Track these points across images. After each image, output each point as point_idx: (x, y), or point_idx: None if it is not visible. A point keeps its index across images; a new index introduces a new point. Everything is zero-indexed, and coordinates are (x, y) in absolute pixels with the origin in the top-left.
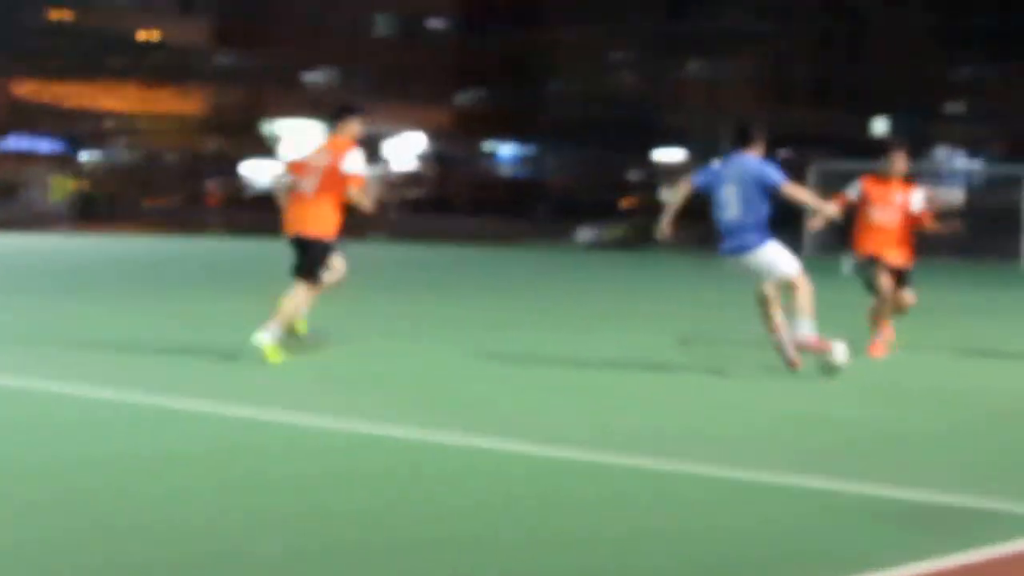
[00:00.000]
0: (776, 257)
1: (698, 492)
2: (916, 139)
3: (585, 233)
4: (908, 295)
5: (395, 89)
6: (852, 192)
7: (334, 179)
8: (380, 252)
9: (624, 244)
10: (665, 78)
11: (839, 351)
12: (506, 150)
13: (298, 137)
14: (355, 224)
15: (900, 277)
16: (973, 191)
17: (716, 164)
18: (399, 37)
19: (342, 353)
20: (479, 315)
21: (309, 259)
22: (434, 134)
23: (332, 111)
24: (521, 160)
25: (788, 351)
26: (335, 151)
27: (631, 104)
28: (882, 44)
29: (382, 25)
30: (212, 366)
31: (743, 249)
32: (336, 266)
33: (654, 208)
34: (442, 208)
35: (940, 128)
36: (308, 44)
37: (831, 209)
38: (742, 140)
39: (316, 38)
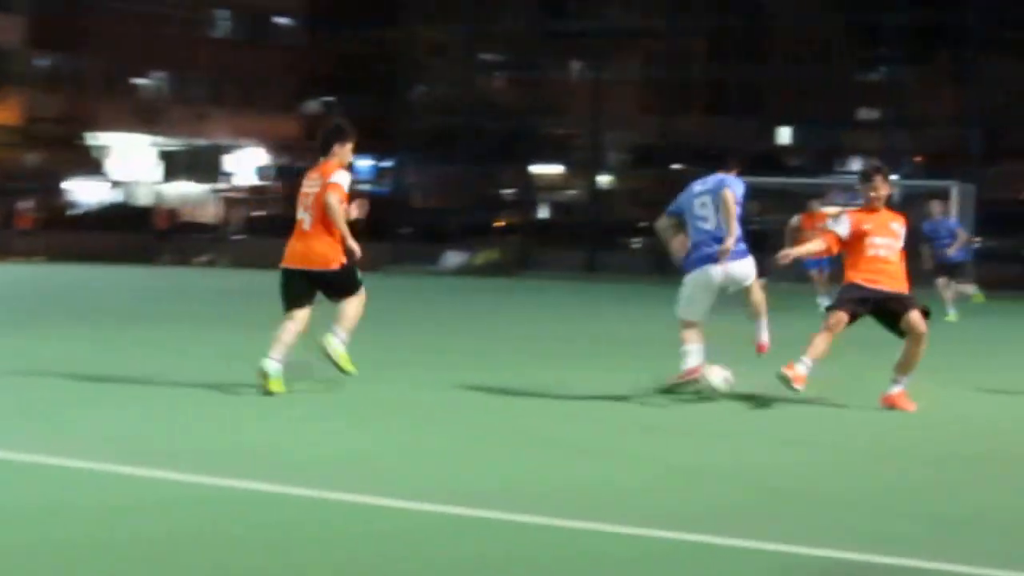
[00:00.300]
0: (749, 271)
1: (612, 549)
2: (825, 150)
3: (453, 257)
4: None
5: (236, 96)
6: (842, 228)
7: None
8: (216, 280)
9: (497, 270)
10: (542, 83)
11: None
12: (362, 164)
13: (128, 152)
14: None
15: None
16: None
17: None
18: (241, 38)
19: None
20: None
21: (341, 284)
22: (281, 146)
23: (321, 136)
24: (379, 175)
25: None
26: (325, 177)
27: (504, 112)
28: (786, 43)
29: (222, 25)
30: None
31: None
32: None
33: (531, 229)
34: (290, 229)
35: (852, 137)
36: (138, 45)
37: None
38: (719, 164)
39: (148, 39)
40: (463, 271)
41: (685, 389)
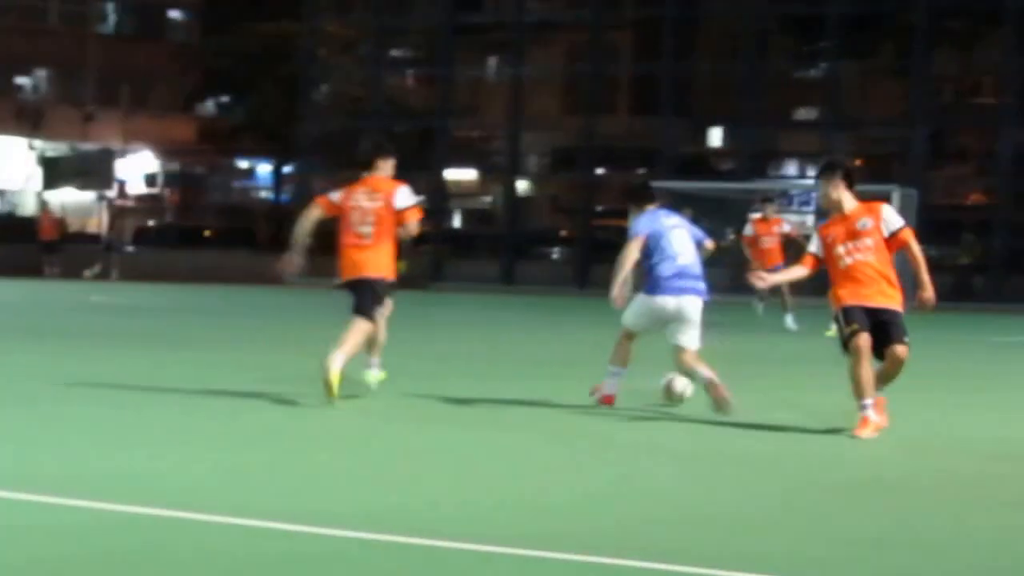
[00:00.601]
0: (697, 318)
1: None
2: (759, 153)
3: None
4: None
5: (126, 96)
6: (814, 246)
7: (390, 220)
8: (102, 295)
9: (408, 282)
10: (456, 81)
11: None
12: (264, 169)
13: (5, 157)
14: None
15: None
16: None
17: (649, 217)
18: (131, 33)
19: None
20: (223, 375)
21: (369, 295)
22: (174, 150)
23: (363, 156)
24: (280, 182)
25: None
26: (384, 193)
27: (415, 113)
28: (719, 38)
29: (110, 18)
30: None
31: (695, 292)
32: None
33: (444, 238)
34: (185, 240)
35: (788, 139)
36: (17, 41)
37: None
38: (645, 199)
39: (28, 33)
40: None
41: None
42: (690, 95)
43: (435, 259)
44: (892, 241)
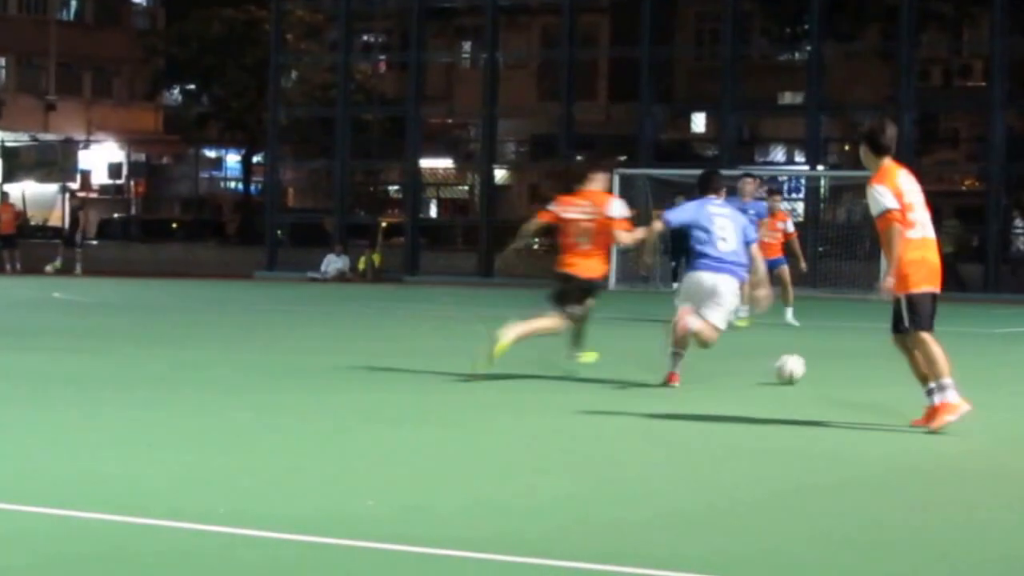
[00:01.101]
0: (730, 301)
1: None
2: (743, 139)
3: (332, 262)
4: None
5: (88, 85)
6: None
7: (603, 230)
8: (64, 291)
9: (382, 275)
10: (429, 67)
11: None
12: (232, 159)
13: None
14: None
15: None
16: (814, 204)
17: (685, 203)
18: (93, 20)
19: None
20: (191, 375)
21: (574, 294)
22: (138, 140)
23: (578, 169)
24: (248, 172)
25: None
26: (598, 205)
27: (387, 100)
28: (699, 20)
29: (71, 5)
30: None
31: (732, 274)
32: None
33: (419, 229)
34: (151, 233)
35: (772, 124)
36: None
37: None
38: (708, 187)
39: None
40: (345, 277)
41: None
42: (671, 80)
43: (410, 251)
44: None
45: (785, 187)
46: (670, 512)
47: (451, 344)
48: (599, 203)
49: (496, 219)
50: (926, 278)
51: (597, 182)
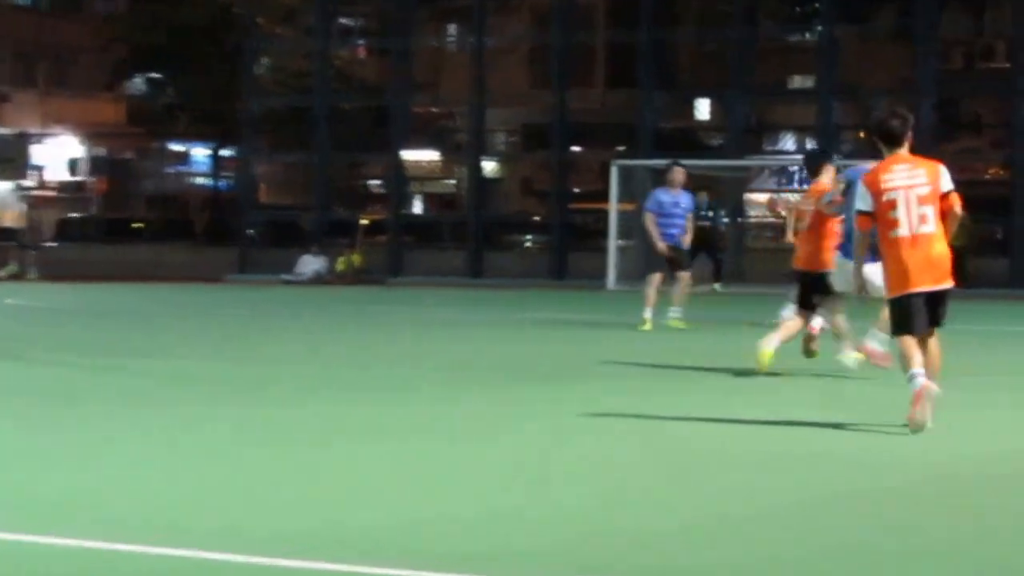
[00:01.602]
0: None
1: None
2: (751, 126)
3: (310, 263)
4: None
5: (44, 75)
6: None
7: (820, 220)
8: (18, 297)
9: (364, 276)
10: (413, 52)
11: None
12: (201, 153)
13: None
14: None
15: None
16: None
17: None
18: (48, 5)
19: None
20: (143, 385)
21: (809, 290)
22: (99, 133)
23: (805, 159)
24: (219, 166)
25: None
26: (814, 195)
27: (368, 89)
28: (703, 1)
29: None
30: None
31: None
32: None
33: (404, 226)
34: (113, 234)
35: (783, 111)
36: None
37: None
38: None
39: None
40: (323, 279)
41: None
42: (672, 65)
43: (394, 250)
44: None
45: (796, 178)
46: (688, 522)
47: (436, 349)
48: (818, 194)
49: (486, 214)
50: (904, 279)
51: (826, 175)
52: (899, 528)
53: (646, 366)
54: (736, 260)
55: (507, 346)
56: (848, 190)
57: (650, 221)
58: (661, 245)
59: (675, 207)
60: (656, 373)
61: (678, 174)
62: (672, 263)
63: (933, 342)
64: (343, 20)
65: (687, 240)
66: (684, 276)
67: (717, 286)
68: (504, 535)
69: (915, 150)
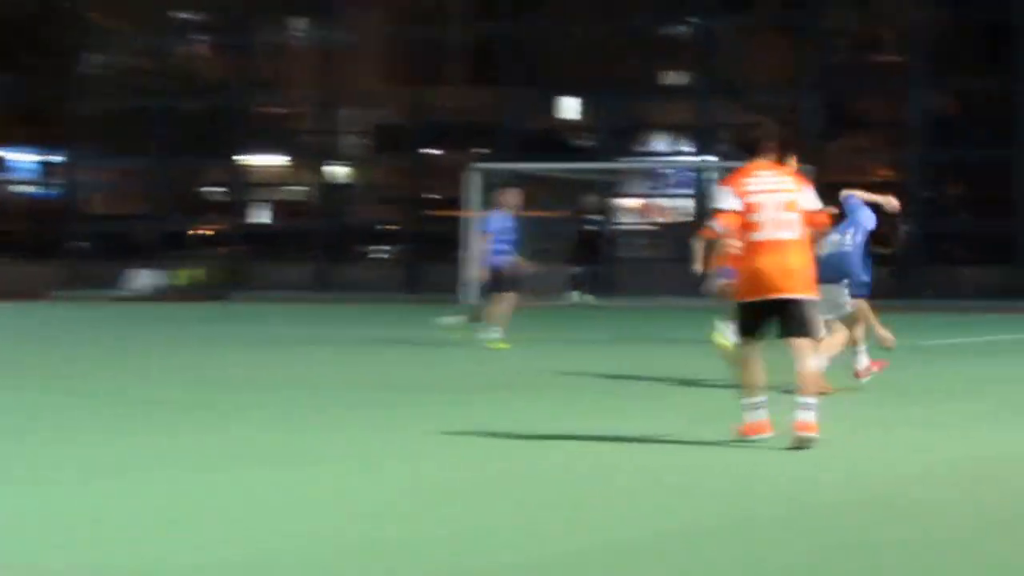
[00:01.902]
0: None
1: None
2: (623, 126)
3: (144, 277)
4: None
5: None
6: None
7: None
8: None
9: (204, 291)
10: (255, 48)
11: None
12: (21, 159)
13: None
14: None
15: None
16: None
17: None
18: None
19: None
20: None
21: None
22: None
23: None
24: (45, 173)
25: None
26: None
27: (206, 87)
28: None
29: None
30: None
31: None
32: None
33: (246, 237)
34: None
35: (656, 109)
36: None
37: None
38: None
39: None
40: (160, 294)
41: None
42: (536, 60)
43: (235, 263)
44: None
45: (671, 182)
46: (539, 560)
47: (271, 374)
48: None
49: (336, 223)
50: (754, 288)
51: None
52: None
53: (487, 385)
54: (608, 271)
55: (348, 366)
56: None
57: (482, 242)
58: (482, 271)
59: (507, 231)
60: (502, 391)
61: (511, 196)
62: (499, 284)
63: (802, 356)
64: (179, 14)
65: (517, 263)
66: (508, 298)
67: (589, 297)
68: None
69: (800, 151)
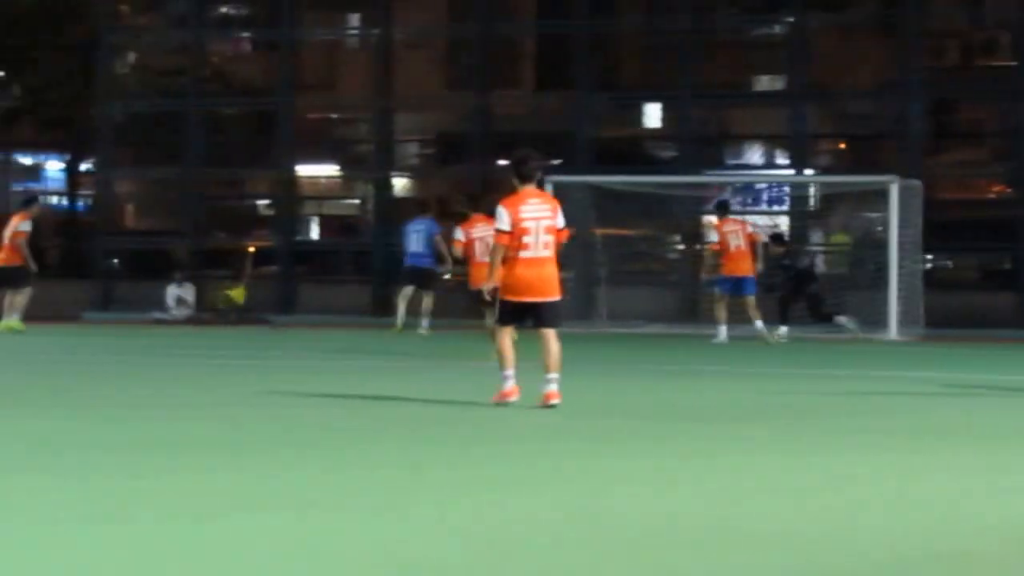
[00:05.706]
0: None
1: None
2: (709, 136)
3: (182, 298)
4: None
5: None
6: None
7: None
8: None
9: (247, 315)
10: (303, 47)
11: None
12: (54, 167)
13: None
14: None
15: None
16: (799, 218)
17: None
18: None
19: None
20: None
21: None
22: None
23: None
24: (73, 184)
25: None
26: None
27: (250, 90)
28: None
29: None
30: None
31: None
32: None
33: (296, 255)
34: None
35: (745, 117)
36: None
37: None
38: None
39: None
40: (201, 319)
41: None
42: (613, 63)
43: (283, 284)
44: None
45: (763, 197)
46: None
47: (341, 401)
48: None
49: (395, 241)
50: (516, 290)
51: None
52: None
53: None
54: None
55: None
56: None
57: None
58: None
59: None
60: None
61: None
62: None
63: (551, 341)
64: (220, 9)
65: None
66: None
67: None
68: None
69: (906, 164)
